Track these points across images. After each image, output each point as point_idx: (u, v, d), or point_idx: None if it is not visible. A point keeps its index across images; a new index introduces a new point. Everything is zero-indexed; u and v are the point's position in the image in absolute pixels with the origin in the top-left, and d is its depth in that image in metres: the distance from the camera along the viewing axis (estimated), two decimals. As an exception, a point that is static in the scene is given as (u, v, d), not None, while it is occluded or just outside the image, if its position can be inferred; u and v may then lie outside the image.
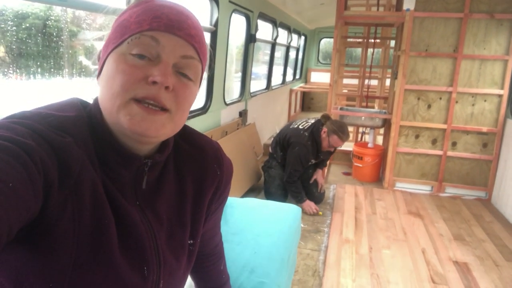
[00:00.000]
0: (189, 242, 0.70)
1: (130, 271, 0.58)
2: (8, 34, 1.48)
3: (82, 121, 0.56)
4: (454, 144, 3.60)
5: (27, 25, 1.56)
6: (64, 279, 0.51)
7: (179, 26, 0.55)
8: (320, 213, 3.11)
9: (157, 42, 0.53)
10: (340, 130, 2.98)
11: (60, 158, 0.50)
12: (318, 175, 3.35)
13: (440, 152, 3.64)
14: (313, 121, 3.21)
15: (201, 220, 0.72)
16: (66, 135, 0.52)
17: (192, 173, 0.70)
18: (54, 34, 1.71)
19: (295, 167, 3.09)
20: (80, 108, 0.58)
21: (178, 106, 0.56)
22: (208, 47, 0.64)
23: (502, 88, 3.39)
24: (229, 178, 0.78)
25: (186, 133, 0.71)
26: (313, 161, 3.25)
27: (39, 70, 1.64)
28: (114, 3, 0.62)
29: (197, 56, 0.58)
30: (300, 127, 3.17)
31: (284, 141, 3.22)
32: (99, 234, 0.54)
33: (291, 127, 3.25)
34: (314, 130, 3.11)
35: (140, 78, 0.53)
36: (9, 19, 1.45)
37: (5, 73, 1.52)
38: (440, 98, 3.55)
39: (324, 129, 3.06)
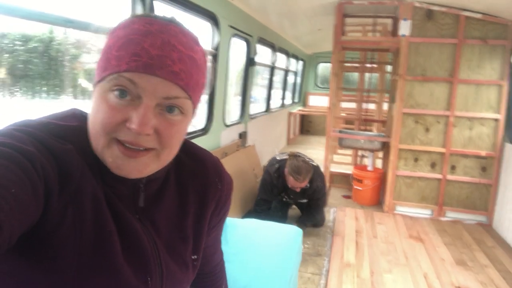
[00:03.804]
0: (192, 257, 0.69)
1: (135, 280, 0.57)
2: (11, 55, 1.50)
3: (83, 131, 0.56)
4: (453, 168, 3.61)
5: (30, 47, 1.58)
6: None
7: (160, 63, 0.50)
8: None
9: (136, 85, 0.50)
10: (295, 171, 2.81)
11: (60, 165, 0.50)
12: None
13: (439, 176, 3.63)
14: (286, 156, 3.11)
15: (203, 234, 0.72)
16: (66, 143, 0.52)
17: (194, 187, 0.70)
18: (56, 56, 1.73)
19: (261, 194, 3.09)
20: (82, 119, 0.58)
21: (163, 145, 0.54)
22: (208, 61, 0.60)
23: (498, 112, 3.43)
24: (230, 192, 0.78)
25: (187, 147, 0.71)
26: (286, 198, 3.17)
27: (42, 90, 1.65)
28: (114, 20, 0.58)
29: (183, 94, 0.53)
30: (278, 158, 3.14)
31: None
32: (101, 241, 0.53)
33: (276, 154, 3.27)
34: (281, 165, 3.03)
35: (119, 121, 0.51)
36: (13, 41, 1.48)
37: (8, 92, 1.54)
38: (438, 122, 3.58)
39: (286, 168, 2.94)
